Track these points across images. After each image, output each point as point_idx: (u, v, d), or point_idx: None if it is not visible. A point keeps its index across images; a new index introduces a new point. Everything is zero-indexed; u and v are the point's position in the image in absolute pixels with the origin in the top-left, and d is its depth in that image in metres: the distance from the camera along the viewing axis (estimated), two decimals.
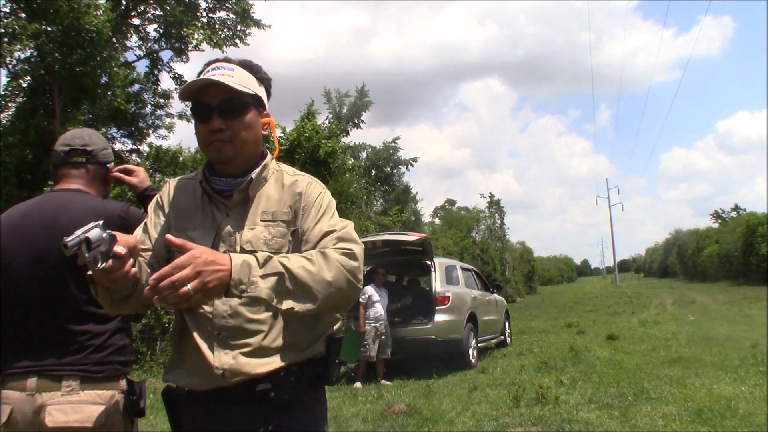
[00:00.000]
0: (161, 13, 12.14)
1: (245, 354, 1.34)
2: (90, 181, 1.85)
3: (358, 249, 1.35)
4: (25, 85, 9.81)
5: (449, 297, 7.99)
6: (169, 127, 13.95)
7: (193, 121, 1.45)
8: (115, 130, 12.26)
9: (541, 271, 50.58)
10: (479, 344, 8.86)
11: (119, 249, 1.13)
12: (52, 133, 8.88)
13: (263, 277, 1.18)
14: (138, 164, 11.58)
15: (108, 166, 1.93)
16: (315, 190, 1.47)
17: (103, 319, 1.72)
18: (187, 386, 1.40)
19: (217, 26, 12.75)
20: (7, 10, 9.14)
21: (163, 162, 12.63)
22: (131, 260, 1.18)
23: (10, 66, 9.49)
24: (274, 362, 1.35)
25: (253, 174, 1.44)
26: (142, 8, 12.19)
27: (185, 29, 11.90)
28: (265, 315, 1.36)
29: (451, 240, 22.53)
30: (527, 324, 14.52)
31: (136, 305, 1.35)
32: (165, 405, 1.49)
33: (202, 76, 1.41)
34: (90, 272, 1.16)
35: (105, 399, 1.66)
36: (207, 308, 1.35)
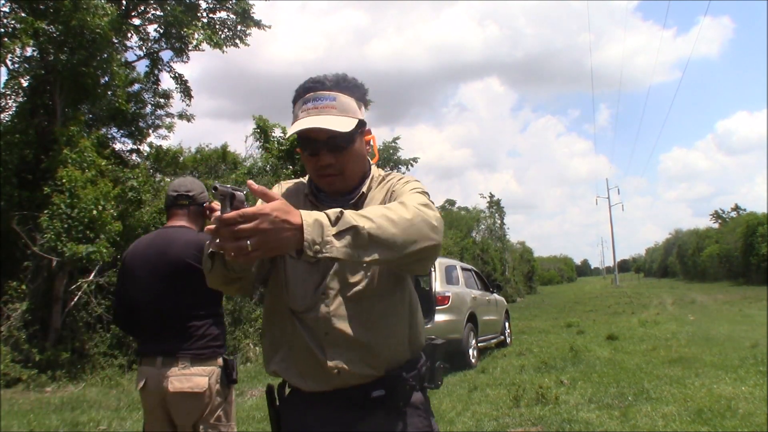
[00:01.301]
0: (161, 13, 12.11)
1: (355, 353, 1.36)
2: (191, 217, 2.55)
3: (432, 206, 1.33)
4: (25, 84, 9.80)
5: (449, 297, 7.99)
6: (169, 127, 13.90)
7: (301, 151, 1.45)
8: (115, 130, 12.22)
9: (541, 271, 50.57)
10: (479, 344, 8.86)
11: None
12: (52, 132, 8.87)
13: (337, 235, 1.10)
14: (138, 164, 11.58)
15: (204, 205, 2.57)
16: (401, 180, 1.48)
17: (201, 317, 2.41)
18: (303, 388, 1.42)
19: (217, 26, 12.72)
20: (6, 9, 9.13)
21: (164, 162, 12.62)
22: None
23: (10, 65, 9.49)
24: (384, 364, 1.38)
25: (363, 189, 1.47)
26: (142, 8, 12.17)
27: (185, 29, 11.86)
28: (367, 314, 1.38)
29: (451, 240, 22.52)
30: (527, 324, 14.52)
31: (242, 289, 1.37)
32: (268, 404, 1.52)
33: (302, 108, 1.40)
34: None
35: (208, 372, 2.36)
36: (310, 314, 1.38)
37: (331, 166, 1.40)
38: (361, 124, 1.45)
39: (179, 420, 2.37)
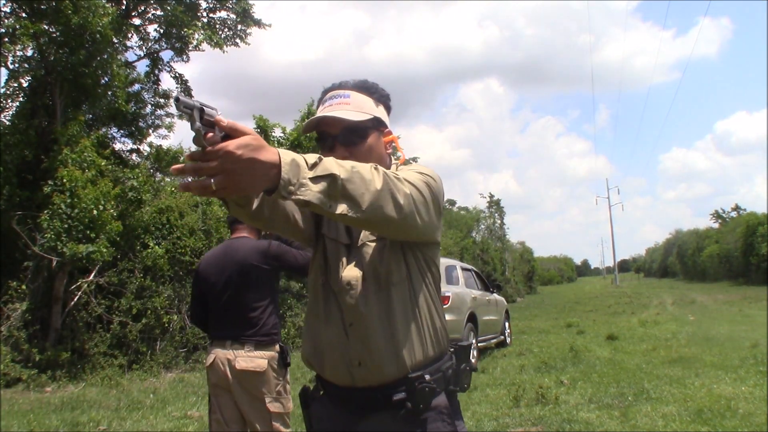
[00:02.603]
0: (161, 13, 12.12)
1: (378, 346, 1.36)
2: (250, 229, 3.12)
3: (417, 179, 1.31)
4: (25, 84, 9.78)
5: (449, 297, 7.99)
6: (169, 127, 13.90)
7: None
8: (115, 130, 12.22)
9: (541, 271, 50.53)
10: (479, 344, 8.86)
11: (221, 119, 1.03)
12: (52, 132, 8.86)
13: (314, 179, 1.07)
14: (138, 164, 11.57)
15: None
16: (411, 166, 1.49)
17: (263, 310, 2.94)
18: (329, 379, 1.45)
19: (217, 26, 12.72)
20: (7, 9, 9.12)
21: (164, 162, 12.60)
22: None
23: (10, 65, 9.48)
24: (407, 360, 1.37)
25: None
26: (142, 8, 12.17)
27: (186, 29, 11.86)
28: (396, 306, 1.39)
29: (451, 240, 22.52)
30: (527, 324, 14.52)
31: (273, 222, 1.39)
32: (301, 406, 1.56)
33: (320, 108, 1.47)
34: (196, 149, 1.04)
35: (267, 356, 2.89)
36: (342, 296, 1.40)
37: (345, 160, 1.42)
38: (378, 121, 1.48)
39: (238, 394, 2.87)
